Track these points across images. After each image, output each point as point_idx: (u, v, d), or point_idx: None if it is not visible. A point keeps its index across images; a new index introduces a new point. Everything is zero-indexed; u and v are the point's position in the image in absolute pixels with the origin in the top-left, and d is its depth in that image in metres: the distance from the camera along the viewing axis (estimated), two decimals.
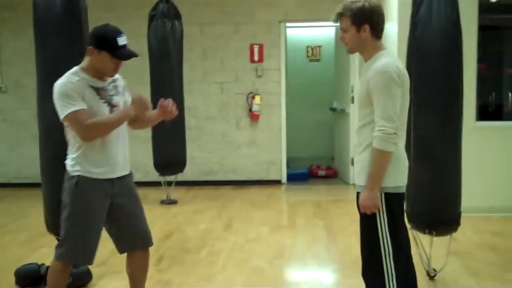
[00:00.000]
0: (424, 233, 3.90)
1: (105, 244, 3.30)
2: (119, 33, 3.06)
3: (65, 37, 3.91)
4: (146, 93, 5.71)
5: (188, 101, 7.09)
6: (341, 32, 2.91)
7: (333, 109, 8.84)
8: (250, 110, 8.00)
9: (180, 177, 7.03)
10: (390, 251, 2.83)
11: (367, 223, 2.89)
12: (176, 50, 6.67)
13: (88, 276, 4.11)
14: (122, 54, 3.06)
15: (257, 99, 7.93)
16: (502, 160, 5.99)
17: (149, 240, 3.35)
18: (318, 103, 10.03)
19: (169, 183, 6.89)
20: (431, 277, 4.02)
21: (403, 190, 2.91)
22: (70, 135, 3.14)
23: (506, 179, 5.96)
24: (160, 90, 6.39)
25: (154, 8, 6.63)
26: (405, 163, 2.93)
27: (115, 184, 3.18)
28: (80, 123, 2.99)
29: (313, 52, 10.46)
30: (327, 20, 8.10)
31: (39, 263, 4.25)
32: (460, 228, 4.20)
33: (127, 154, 3.27)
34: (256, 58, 8.01)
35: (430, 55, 3.85)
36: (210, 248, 5.01)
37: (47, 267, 4.15)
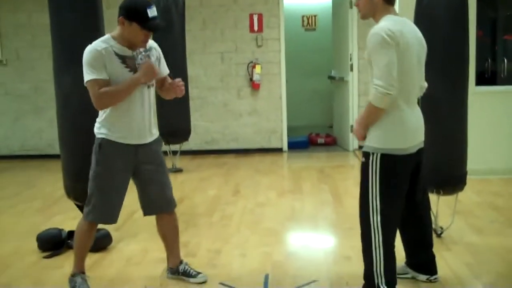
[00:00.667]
0: (432, 192, 4.06)
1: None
2: (149, 4, 3.14)
3: (80, 10, 3.99)
4: None
5: (189, 71, 7.16)
6: None
7: (331, 77, 8.96)
8: (251, 79, 8.10)
9: (183, 146, 7.15)
10: (378, 207, 3.02)
11: (363, 180, 3.09)
12: (178, 21, 6.73)
13: (108, 239, 4.26)
14: (152, 26, 3.14)
15: (257, 69, 8.03)
16: (500, 123, 6.16)
17: (171, 204, 3.51)
18: (315, 72, 10.16)
19: (174, 152, 7.02)
20: (438, 234, 4.19)
21: (409, 151, 3.02)
22: None
23: (504, 141, 6.14)
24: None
25: None
26: (411, 124, 3.03)
27: (139, 150, 3.31)
28: (94, 91, 3.12)
29: (308, 22, 10.56)
30: None
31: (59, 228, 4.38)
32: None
33: (152, 120, 3.39)
34: (255, 28, 8.08)
35: (438, 21, 3.95)
36: (221, 212, 5.17)
37: (68, 232, 4.31)
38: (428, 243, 3.44)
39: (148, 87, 3.31)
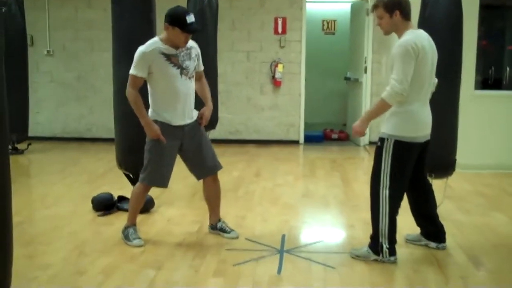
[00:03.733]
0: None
1: None
2: (187, 12, 3.98)
3: (139, 12, 4.80)
4: None
5: (218, 67, 7.92)
6: (378, 20, 3.74)
7: (347, 79, 9.70)
8: (273, 77, 8.90)
9: (209, 135, 7.92)
10: (387, 183, 3.72)
11: (376, 160, 3.80)
12: (212, 22, 7.50)
13: (152, 203, 5.05)
14: (190, 29, 3.96)
15: (279, 67, 8.83)
16: (495, 123, 6.87)
17: (216, 167, 4.31)
18: (332, 73, 10.87)
19: None
20: None
21: (417, 140, 3.73)
22: (149, 88, 4.07)
23: (498, 140, 6.85)
24: None
25: None
26: (421, 118, 3.74)
27: (184, 128, 4.12)
28: (129, 84, 4.00)
29: (328, 26, 11.29)
30: None
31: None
32: (456, 180, 5.14)
33: (192, 106, 4.19)
34: (279, 30, 8.88)
35: (436, 31, 4.67)
36: (245, 189, 5.98)
37: (118, 196, 5.12)
38: (433, 214, 4.14)
39: (189, 78, 4.11)
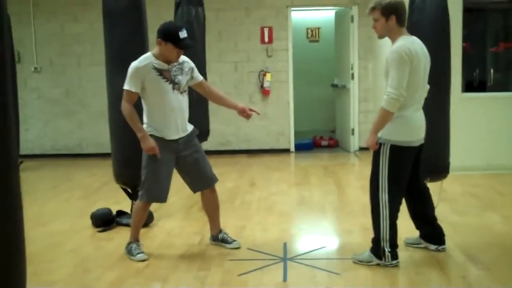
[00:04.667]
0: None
1: None
2: (180, 28, 4.03)
3: (130, 24, 4.84)
4: None
5: (207, 79, 7.98)
6: (373, 22, 3.83)
7: (334, 85, 9.80)
8: (262, 86, 8.97)
9: None
10: (386, 187, 3.79)
11: (374, 165, 3.88)
12: (199, 33, 7.56)
13: (151, 217, 5.06)
14: (183, 44, 4.01)
15: (267, 77, 8.91)
16: (483, 125, 7.00)
17: (212, 180, 4.34)
18: (318, 81, 10.96)
19: None
20: None
21: (412, 144, 3.81)
22: (143, 103, 4.11)
23: (486, 142, 6.98)
24: None
25: None
26: (416, 123, 3.83)
27: (179, 142, 4.15)
28: (124, 99, 4.05)
29: (312, 34, 11.40)
30: (329, 5, 9.18)
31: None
32: (447, 182, 5.18)
33: (185, 121, 4.23)
34: (266, 39, 8.96)
35: (424, 36, 4.77)
36: (241, 199, 6.02)
37: (117, 211, 5.14)
38: (431, 217, 4.23)
39: (182, 93, 4.15)
